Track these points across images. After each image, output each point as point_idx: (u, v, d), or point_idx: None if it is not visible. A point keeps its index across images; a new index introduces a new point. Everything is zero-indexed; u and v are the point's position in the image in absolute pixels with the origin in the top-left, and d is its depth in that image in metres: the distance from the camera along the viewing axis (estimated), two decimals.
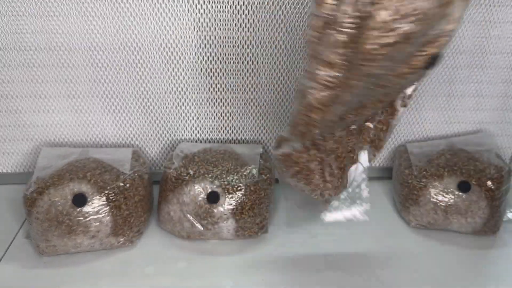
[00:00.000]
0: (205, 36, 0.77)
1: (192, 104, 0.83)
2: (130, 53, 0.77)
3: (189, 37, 0.77)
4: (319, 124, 0.55)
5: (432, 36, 0.48)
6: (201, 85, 0.82)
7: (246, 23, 0.76)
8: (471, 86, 0.85)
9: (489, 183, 0.74)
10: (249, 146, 0.85)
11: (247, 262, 0.71)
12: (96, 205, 0.68)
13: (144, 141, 0.87)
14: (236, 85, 0.82)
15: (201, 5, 0.74)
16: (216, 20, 0.75)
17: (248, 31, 0.77)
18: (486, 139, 0.86)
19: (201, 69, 0.80)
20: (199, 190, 0.71)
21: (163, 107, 0.83)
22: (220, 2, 0.74)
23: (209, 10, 0.74)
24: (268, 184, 0.75)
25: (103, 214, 0.68)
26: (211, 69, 0.80)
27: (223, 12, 0.75)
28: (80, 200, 0.67)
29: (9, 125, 0.83)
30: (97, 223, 0.68)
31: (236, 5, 0.74)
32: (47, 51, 0.76)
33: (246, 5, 0.74)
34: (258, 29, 0.76)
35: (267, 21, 0.76)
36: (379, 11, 0.42)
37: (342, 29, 0.44)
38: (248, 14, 0.75)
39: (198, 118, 0.85)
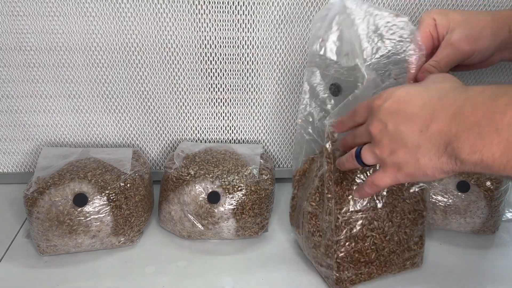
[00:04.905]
0: (205, 36, 0.77)
1: (193, 104, 0.84)
2: (130, 53, 0.77)
3: (189, 37, 0.77)
4: None
5: None
6: (201, 85, 0.82)
7: (246, 24, 0.76)
8: None
9: (488, 183, 0.74)
10: (249, 146, 0.85)
11: (248, 261, 0.72)
12: (97, 205, 0.68)
13: (144, 141, 0.87)
14: (236, 86, 0.82)
15: (201, 6, 0.74)
16: (216, 21, 0.76)
17: (248, 32, 0.77)
18: None
19: (201, 69, 0.80)
20: (200, 190, 0.72)
21: (163, 107, 0.84)
22: (220, 2, 0.74)
23: (209, 11, 0.74)
24: (268, 184, 0.75)
25: (104, 214, 0.69)
26: (211, 69, 0.80)
27: (223, 12, 0.75)
28: (81, 200, 0.68)
29: (10, 125, 0.83)
30: (98, 223, 0.69)
31: (236, 5, 0.74)
32: (48, 51, 0.76)
33: (246, 5, 0.74)
34: (258, 29, 0.77)
35: (267, 21, 0.76)
36: None
37: None
38: (248, 14, 0.75)
39: (198, 118, 0.85)
